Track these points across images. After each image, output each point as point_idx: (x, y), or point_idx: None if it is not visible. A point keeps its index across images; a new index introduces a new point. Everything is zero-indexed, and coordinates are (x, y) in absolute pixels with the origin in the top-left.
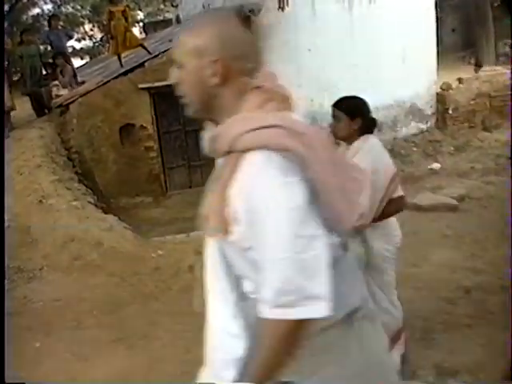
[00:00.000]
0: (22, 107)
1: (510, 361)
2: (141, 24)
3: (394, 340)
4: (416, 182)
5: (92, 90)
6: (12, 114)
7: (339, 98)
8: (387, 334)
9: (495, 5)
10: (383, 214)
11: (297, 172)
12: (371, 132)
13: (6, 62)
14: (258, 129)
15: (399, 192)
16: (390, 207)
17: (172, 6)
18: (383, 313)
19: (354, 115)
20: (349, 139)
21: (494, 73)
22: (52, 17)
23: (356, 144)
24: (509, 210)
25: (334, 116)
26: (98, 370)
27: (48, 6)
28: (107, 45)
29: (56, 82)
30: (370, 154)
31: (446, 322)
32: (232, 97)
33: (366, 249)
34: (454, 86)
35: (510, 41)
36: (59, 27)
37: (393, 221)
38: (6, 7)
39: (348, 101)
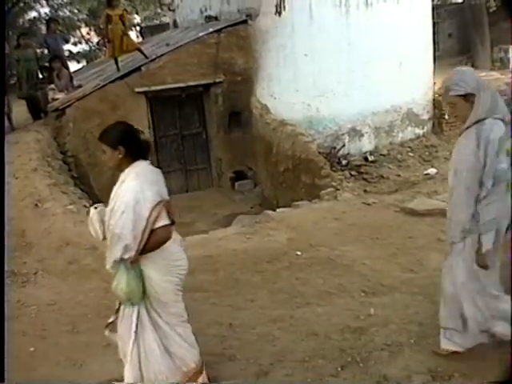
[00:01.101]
0: (18, 111)
1: (510, 362)
2: (138, 28)
3: (195, 376)
4: (412, 187)
5: (88, 94)
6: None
7: (103, 129)
8: (185, 368)
9: (491, 10)
10: (147, 246)
11: None
12: (143, 157)
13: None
14: None
15: (163, 221)
16: (152, 238)
17: (169, 10)
18: (177, 346)
19: (114, 145)
20: (119, 168)
21: (489, 78)
22: (50, 20)
23: (126, 171)
24: None
25: (102, 150)
26: (93, 375)
27: (45, 10)
28: (104, 49)
29: (52, 86)
30: (134, 182)
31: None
32: None
33: (144, 281)
34: None
35: (505, 46)
36: (57, 31)
37: (173, 251)
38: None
39: (109, 132)
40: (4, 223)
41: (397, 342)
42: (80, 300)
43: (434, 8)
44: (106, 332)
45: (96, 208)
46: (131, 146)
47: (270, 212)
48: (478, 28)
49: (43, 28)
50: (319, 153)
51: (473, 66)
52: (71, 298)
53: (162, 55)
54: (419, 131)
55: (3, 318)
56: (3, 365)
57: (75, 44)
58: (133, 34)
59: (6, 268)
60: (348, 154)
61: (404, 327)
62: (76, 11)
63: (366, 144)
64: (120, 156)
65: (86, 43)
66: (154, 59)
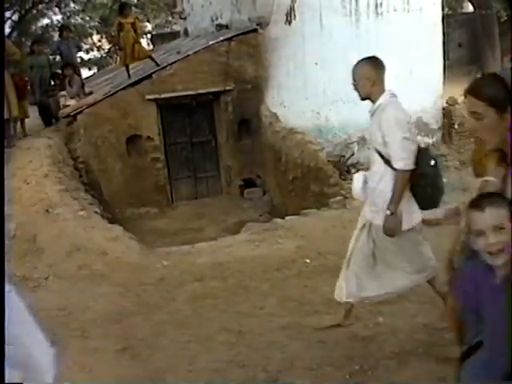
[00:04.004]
0: (30, 117)
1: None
2: (149, 36)
3: None
4: None
5: (100, 101)
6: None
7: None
8: None
9: (502, 20)
10: None
11: None
12: None
13: (16, 72)
14: None
15: None
16: None
17: (180, 18)
18: None
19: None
20: None
21: None
22: (63, 27)
23: None
24: None
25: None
26: (102, 380)
27: (57, 17)
28: (115, 56)
29: (64, 93)
30: None
31: (449, 336)
32: None
33: None
34: (460, 100)
35: None
36: (69, 38)
37: None
38: (16, 17)
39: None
40: (4, 223)
41: (405, 351)
42: (90, 305)
43: (444, 17)
44: None
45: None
46: None
47: (278, 220)
48: (488, 38)
49: (56, 35)
50: (328, 161)
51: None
52: (81, 303)
53: (172, 63)
54: (428, 140)
55: (3, 318)
56: (3, 365)
57: (87, 51)
58: (144, 42)
59: (16, 273)
60: (357, 162)
61: (413, 336)
62: (88, 19)
63: None
64: None
65: (98, 50)
66: (165, 67)
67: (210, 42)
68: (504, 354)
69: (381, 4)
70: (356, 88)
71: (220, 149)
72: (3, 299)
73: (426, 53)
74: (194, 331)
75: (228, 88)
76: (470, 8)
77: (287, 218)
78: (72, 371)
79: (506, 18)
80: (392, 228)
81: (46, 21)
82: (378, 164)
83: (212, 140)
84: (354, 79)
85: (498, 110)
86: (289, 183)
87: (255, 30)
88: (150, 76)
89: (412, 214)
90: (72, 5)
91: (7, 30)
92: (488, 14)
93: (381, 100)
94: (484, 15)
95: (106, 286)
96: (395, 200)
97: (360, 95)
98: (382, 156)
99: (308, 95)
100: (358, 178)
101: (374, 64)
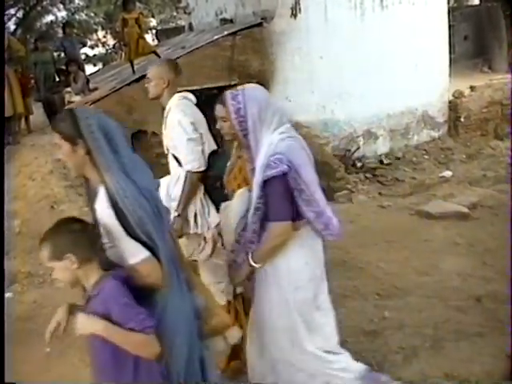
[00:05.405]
0: (34, 113)
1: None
2: (153, 31)
3: None
4: (427, 190)
5: (104, 97)
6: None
7: None
8: None
9: (507, 13)
10: None
11: None
12: None
13: (20, 69)
14: None
15: None
16: None
17: (185, 13)
18: None
19: None
20: None
21: (506, 81)
22: (66, 24)
23: None
24: None
25: None
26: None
27: (62, 14)
28: (120, 52)
29: (69, 89)
30: None
31: (456, 330)
32: None
33: None
34: (466, 93)
35: None
36: (73, 35)
37: None
38: (21, 14)
39: None
40: (4, 223)
41: (411, 346)
42: None
43: (449, 10)
44: None
45: None
46: None
47: None
48: (494, 30)
49: (60, 31)
50: (334, 155)
51: (489, 68)
52: None
53: (177, 58)
54: (435, 134)
55: (3, 318)
56: (3, 365)
57: (92, 47)
58: (148, 37)
59: (21, 270)
60: (363, 156)
61: (419, 331)
62: (92, 15)
63: (381, 146)
64: None
65: (103, 46)
66: None
67: (215, 37)
68: None
69: None
70: (148, 86)
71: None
72: (3, 299)
73: (432, 46)
74: None
75: (233, 83)
76: (475, 0)
77: None
78: (77, 367)
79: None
80: (177, 229)
81: (50, 17)
82: (174, 167)
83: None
84: (148, 77)
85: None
86: None
87: (260, 24)
88: None
89: (208, 218)
90: (76, 1)
91: (12, 27)
92: (494, 7)
93: (170, 103)
94: (490, 8)
95: None
96: (182, 201)
97: (151, 94)
98: (176, 159)
99: (313, 89)
100: (162, 183)
101: (171, 66)
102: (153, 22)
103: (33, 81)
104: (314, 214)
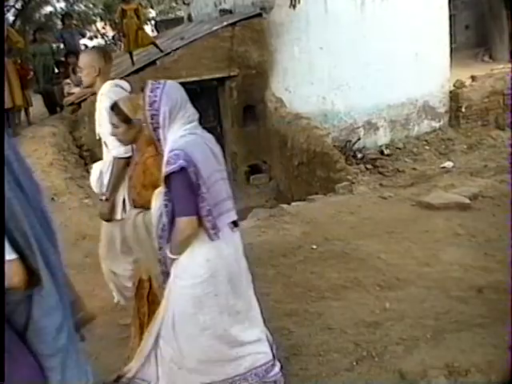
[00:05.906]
0: (34, 105)
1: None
2: (152, 22)
3: None
4: (428, 181)
5: None
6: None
7: None
8: None
9: (509, 2)
10: None
11: None
12: None
13: (19, 60)
14: None
15: None
16: None
17: (184, 4)
18: None
19: None
20: None
21: (507, 70)
22: (66, 15)
23: None
24: None
25: None
26: (108, 368)
27: (61, 5)
28: (119, 43)
29: (68, 81)
30: None
31: (457, 321)
32: None
33: None
34: (467, 83)
35: None
36: (73, 26)
37: None
38: (19, 5)
39: None
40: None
41: (412, 337)
42: (96, 293)
43: (450, 0)
44: None
45: None
46: None
47: (284, 206)
48: (495, 20)
49: (59, 23)
50: (334, 146)
51: (490, 58)
52: (87, 291)
53: (176, 49)
54: (435, 124)
55: (3, 318)
56: (3, 365)
57: (91, 38)
58: (148, 28)
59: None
60: (363, 147)
61: (420, 321)
62: (91, 6)
63: (382, 137)
64: None
65: (102, 37)
66: (169, 53)
67: (214, 28)
68: None
69: None
70: (80, 75)
71: (225, 135)
72: (3, 301)
73: (433, 35)
74: None
75: (233, 74)
76: None
77: (293, 203)
78: None
79: None
80: (104, 213)
81: (49, 8)
82: (105, 153)
83: (217, 126)
84: (79, 66)
85: None
86: (295, 169)
87: (259, 15)
88: (153, 62)
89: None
90: None
91: (11, 18)
92: None
93: (101, 90)
94: None
95: None
96: (110, 187)
97: (84, 83)
98: (106, 145)
99: (313, 80)
100: (95, 168)
101: (101, 54)
102: (152, 13)
103: (32, 72)
104: (205, 211)
